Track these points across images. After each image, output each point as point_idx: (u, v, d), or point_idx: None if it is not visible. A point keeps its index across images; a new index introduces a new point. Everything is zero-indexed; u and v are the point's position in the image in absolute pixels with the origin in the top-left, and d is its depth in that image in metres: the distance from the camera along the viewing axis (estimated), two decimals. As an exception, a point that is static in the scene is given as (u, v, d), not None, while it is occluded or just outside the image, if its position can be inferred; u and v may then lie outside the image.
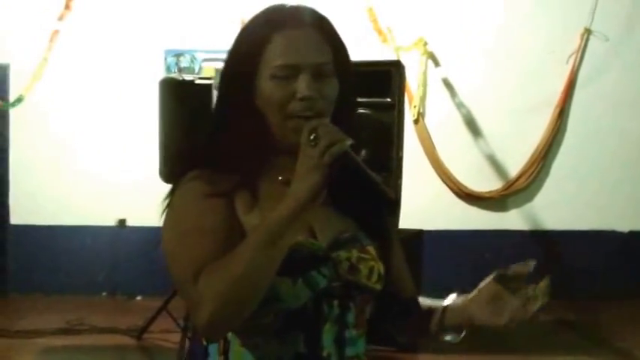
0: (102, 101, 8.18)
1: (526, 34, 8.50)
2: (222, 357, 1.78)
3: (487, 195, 8.54)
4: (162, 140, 5.98)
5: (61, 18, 8.10)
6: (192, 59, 8.23)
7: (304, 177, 1.65)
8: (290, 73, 1.75)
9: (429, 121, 8.46)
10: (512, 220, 8.65)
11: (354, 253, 1.81)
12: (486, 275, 1.81)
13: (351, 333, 1.81)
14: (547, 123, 8.50)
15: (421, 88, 8.36)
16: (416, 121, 8.31)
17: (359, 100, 6.29)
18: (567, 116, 8.58)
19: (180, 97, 6.03)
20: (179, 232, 1.75)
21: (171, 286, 5.50)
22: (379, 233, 1.89)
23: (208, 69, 8.06)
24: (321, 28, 1.83)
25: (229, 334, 1.76)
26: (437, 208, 8.32)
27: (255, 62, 1.77)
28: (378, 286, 1.84)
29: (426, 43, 8.29)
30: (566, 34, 8.51)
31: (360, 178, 1.69)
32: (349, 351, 1.81)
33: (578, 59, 8.51)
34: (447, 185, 8.46)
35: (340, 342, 1.79)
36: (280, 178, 1.81)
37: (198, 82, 6.14)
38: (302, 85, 1.74)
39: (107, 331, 6.77)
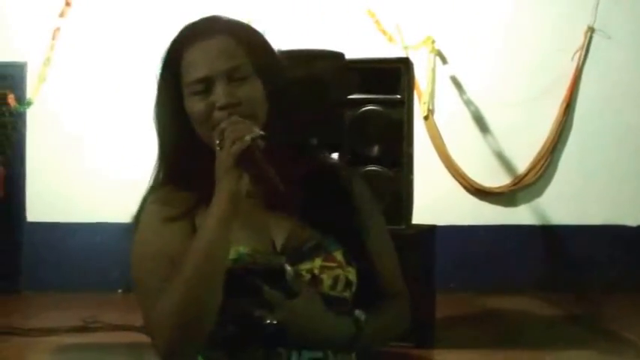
0: (114, 98, 8.22)
1: (532, 32, 8.55)
2: None
3: (497, 190, 8.57)
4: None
5: (62, 15, 8.10)
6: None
7: (219, 182, 1.66)
8: (205, 85, 1.75)
9: (438, 117, 8.50)
10: (521, 214, 8.68)
11: (317, 263, 1.77)
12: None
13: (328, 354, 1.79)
14: (554, 118, 8.54)
15: (430, 85, 8.40)
16: (425, 118, 8.35)
17: (368, 97, 6.34)
18: (573, 111, 8.61)
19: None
20: (140, 258, 1.77)
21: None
22: (348, 235, 1.85)
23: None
24: (232, 33, 1.81)
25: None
26: (448, 204, 8.33)
27: (177, 84, 1.79)
28: (346, 294, 1.80)
29: (433, 41, 8.33)
30: (572, 32, 8.54)
31: (260, 174, 1.69)
32: None
33: (582, 56, 8.55)
34: (458, 181, 8.48)
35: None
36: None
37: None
38: (219, 94, 1.74)
39: (122, 328, 6.69)
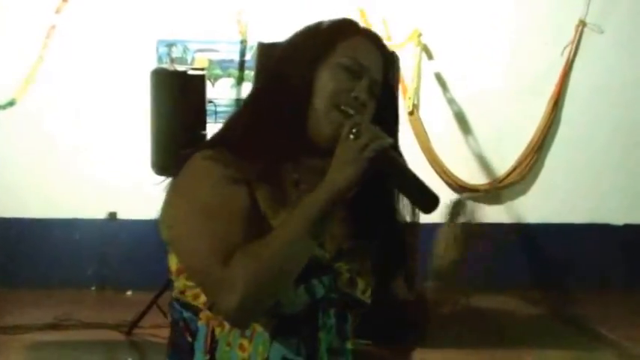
0: (92, 92, 8.03)
1: (520, 26, 8.44)
2: (207, 356, 1.75)
3: (481, 188, 8.48)
4: (154, 132, 5.90)
5: (58, 11, 7.92)
6: (185, 49, 8.13)
7: (343, 168, 1.63)
8: (356, 70, 1.78)
9: (423, 113, 8.40)
10: (506, 212, 8.60)
11: (355, 266, 1.81)
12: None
13: (345, 344, 1.82)
14: (541, 115, 8.45)
15: (415, 80, 8.30)
16: (410, 113, 8.25)
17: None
18: (562, 108, 8.53)
19: (172, 88, 5.95)
20: (202, 214, 1.69)
21: (164, 280, 5.41)
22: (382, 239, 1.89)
23: (201, 59, 8.00)
24: (385, 57, 1.87)
25: (217, 332, 1.73)
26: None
27: (327, 49, 1.80)
28: (369, 301, 1.84)
29: (420, 35, 8.23)
30: (561, 26, 8.45)
31: (400, 177, 1.68)
32: None
33: (573, 51, 8.45)
34: (442, 178, 8.37)
35: (333, 351, 1.79)
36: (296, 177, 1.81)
37: (190, 72, 6.05)
38: (362, 86, 1.76)
39: (96, 326, 6.64)
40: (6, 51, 8.04)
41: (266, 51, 5.92)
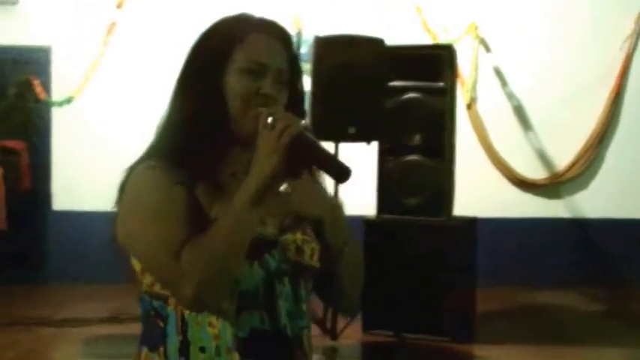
0: (145, 87, 8.03)
1: (579, 20, 8.34)
2: (180, 336, 1.89)
3: (540, 182, 8.39)
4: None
5: (119, 6, 7.90)
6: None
7: (265, 157, 1.79)
8: (259, 70, 1.91)
9: (481, 106, 8.32)
10: (564, 207, 8.49)
11: (299, 236, 1.96)
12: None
13: (302, 307, 1.97)
14: (601, 109, 8.33)
15: (473, 73, 8.24)
16: (468, 107, 8.18)
17: (410, 84, 6.21)
18: (622, 102, 8.41)
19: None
20: (148, 216, 1.86)
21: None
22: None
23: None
24: (285, 41, 1.99)
25: (186, 314, 1.88)
26: (490, 196, 8.15)
27: (226, 56, 1.92)
28: (318, 264, 1.98)
29: (477, 28, 8.15)
30: (620, 20, 8.34)
31: (315, 155, 1.84)
32: (301, 322, 1.97)
33: (632, 45, 8.33)
34: (501, 172, 8.30)
35: (292, 315, 1.94)
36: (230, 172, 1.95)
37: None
38: (268, 83, 1.90)
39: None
40: (66, 48, 8.08)
41: (323, 44, 5.87)
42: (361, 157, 6.88)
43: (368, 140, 5.94)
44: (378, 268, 6.55)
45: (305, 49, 8.10)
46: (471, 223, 6.51)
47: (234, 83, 1.91)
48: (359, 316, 6.19)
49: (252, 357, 1.89)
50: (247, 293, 1.88)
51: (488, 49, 8.37)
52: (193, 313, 1.87)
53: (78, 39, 8.03)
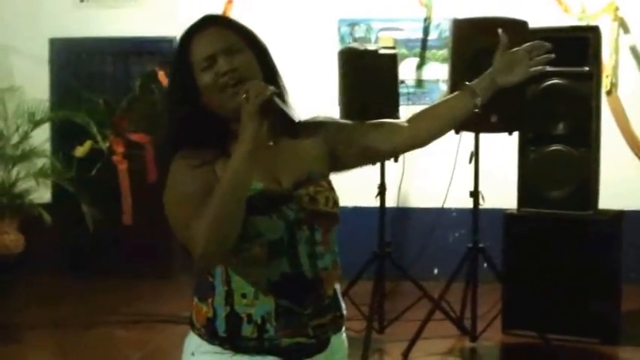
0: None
1: None
2: (225, 287, 2.30)
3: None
4: (344, 113, 5.68)
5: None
6: (368, 29, 7.96)
7: (245, 126, 2.13)
8: (210, 62, 2.30)
9: (622, 92, 7.94)
10: None
11: (311, 189, 2.34)
12: None
13: (319, 249, 2.33)
14: None
15: (613, 57, 7.86)
16: (608, 93, 7.82)
17: (552, 69, 5.88)
18: None
19: (362, 68, 5.72)
20: (175, 198, 2.27)
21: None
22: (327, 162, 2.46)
23: (385, 38, 7.80)
24: (224, 24, 2.40)
25: (229, 269, 2.28)
26: (633, 187, 7.78)
27: (189, 68, 2.33)
28: (336, 210, 2.39)
29: (617, 8, 7.78)
30: None
31: (283, 118, 2.19)
32: (320, 263, 2.33)
33: None
34: (646, 162, 7.91)
35: (312, 257, 2.31)
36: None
37: (381, 51, 5.79)
38: (221, 64, 2.29)
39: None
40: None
41: (462, 27, 5.63)
42: (502, 148, 6.63)
43: (510, 131, 5.75)
44: (518, 264, 6.34)
45: (435, 35, 7.86)
46: (618, 216, 6.18)
47: (203, 83, 2.31)
48: (499, 316, 6.02)
49: (285, 297, 2.28)
50: (274, 242, 2.25)
51: (627, 30, 7.99)
52: (234, 267, 2.28)
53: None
